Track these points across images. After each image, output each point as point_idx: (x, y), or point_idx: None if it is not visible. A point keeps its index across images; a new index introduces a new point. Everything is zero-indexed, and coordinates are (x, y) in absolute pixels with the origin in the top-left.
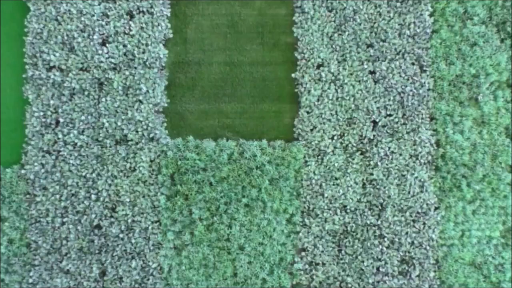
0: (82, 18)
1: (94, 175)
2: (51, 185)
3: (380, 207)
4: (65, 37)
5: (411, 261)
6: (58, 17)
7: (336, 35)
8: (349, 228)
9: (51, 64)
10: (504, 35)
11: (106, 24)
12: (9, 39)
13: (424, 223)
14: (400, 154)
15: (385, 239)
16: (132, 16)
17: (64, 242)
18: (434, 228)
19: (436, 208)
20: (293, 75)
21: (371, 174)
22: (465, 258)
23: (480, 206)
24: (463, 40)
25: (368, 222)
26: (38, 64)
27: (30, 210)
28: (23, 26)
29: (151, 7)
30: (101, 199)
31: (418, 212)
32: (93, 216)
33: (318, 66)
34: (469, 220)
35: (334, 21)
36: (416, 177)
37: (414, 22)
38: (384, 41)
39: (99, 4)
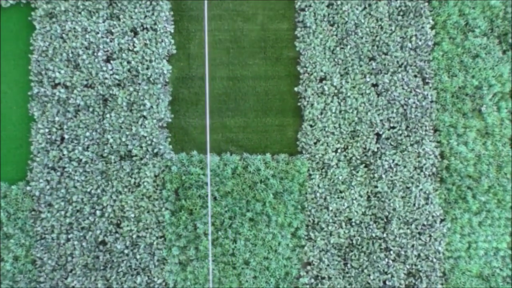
0: (87, 36)
1: (99, 191)
2: (56, 201)
3: (385, 220)
4: (70, 55)
5: (418, 274)
6: (63, 35)
7: (338, 48)
8: (354, 242)
9: (56, 81)
10: (506, 46)
11: (111, 41)
12: (15, 57)
13: (430, 236)
14: (405, 166)
15: (391, 252)
16: (136, 33)
17: (69, 258)
18: (441, 240)
19: (442, 220)
20: (296, 88)
21: (376, 186)
22: (472, 270)
23: (486, 217)
24: (465, 52)
25: (374, 235)
26: (43, 81)
27: (35, 226)
28: (29, 44)
29: (155, 24)
30: (106, 215)
31: (423, 225)
32: (98, 232)
33: (321, 80)
34: (476, 232)
35: (336, 35)
36: (421, 189)
37: (415, 35)
38: (386, 54)
39: (103, 22)
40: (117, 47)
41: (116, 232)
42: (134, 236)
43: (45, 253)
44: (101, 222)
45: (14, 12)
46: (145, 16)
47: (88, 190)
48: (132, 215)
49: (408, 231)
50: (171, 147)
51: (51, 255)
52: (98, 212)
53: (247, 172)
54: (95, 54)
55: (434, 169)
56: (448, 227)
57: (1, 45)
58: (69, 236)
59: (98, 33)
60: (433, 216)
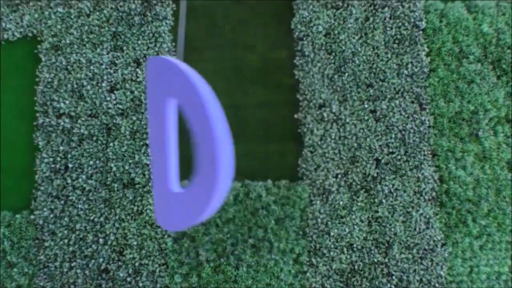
0: (91, 67)
1: (102, 219)
2: (59, 229)
3: (386, 245)
4: (75, 85)
5: None
6: (68, 67)
7: (336, 76)
8: (356, 267)
9: (61, 111)
10: (500, 72)
11: (114, 72)
12: (21, 88)
13: (431, 260)
14: (404, 191)
15: (393, 277)
16: (139, 64)
17: (72, 287)
18: (442, 265)
19: (443, 245)
20: (295, 115)
21: (376, 211)
22: None
23: (487, 241)
24: (460, 78)
25: (375, 260)
26: (48, 112)
27: (38, 255)
28: (35, 76)
29: (157, 54)
30: (109, 242)
31: (425, 249)
32: (101, 260)
33: (320, 107)
34: (477, 256)
35: (334, 63)
36: (421, 214)
37: (411, 62)
38: (383, 81)
39: (107, 54)
40: (121, 78)
41: (119, 260)
42: (137, 264)
43: (48, 281)
44: (104, 250)
45: (20, 45)
46: (148, 48)
47: (91, 218)
48: (135, 243)
49: (410, 255)
50: None
51: (54, 283)
52: (101, 240)
53: (249, 198)
54: (99, 84)
55: (434, 194)
56: (450, 251)
57: (8, 77)
58: (72, 264)
59: (102, 64)
60: (434, 241)
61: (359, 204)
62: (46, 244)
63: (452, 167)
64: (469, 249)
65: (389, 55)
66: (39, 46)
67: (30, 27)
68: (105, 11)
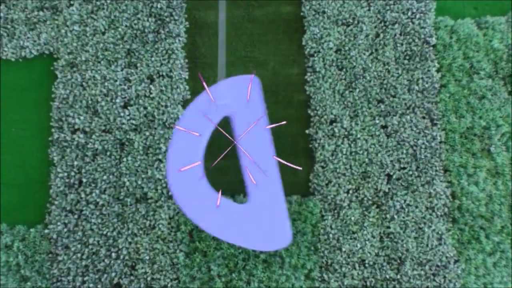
0: (106, 84)
1: (115, 233)
2: (73, 244)
3: (399, 261)
4: (90, 102)
5: None
6: (83, 83)
7: (347, 92)
8: (368, 283)
9: (76, 127)
10: (511, 87)
11: (128, 88)
12: (37, 104)
13: (444, 277)
14: (416, 207)
15: None
16: (152, 80)
17: None
18: (455, 282)
19: (456, 261)
20: (307, 131)
21: (388, 227)
22: None
23: (501, 258)
24: (471, 93)
25: (388, 276)
26: (63, 127)
27: (52, 269)
28: (51, 92)
29: (170, 71)
30: (121, 257)
31: (437, 265)
32: (113, 274)
33: (331, 122)
34: (491, 273)
35: (345, 79)
36: (434, 230)
37: (422, 78)
38: (394, 96)
39: (121, 70)
40: (134, 94)
41: (131, 274)
42: (149, 279)
43: None
44: (117, 264)
45: (37, 62)
46: (161, 64)
47: (104, 232)
48: (147, 257)
49: (422, 272)
50: None
51: None
52: (113, 255)
53: None
54: (113, 100)
55: (446, 209)
56: (463, 268)
57: (25, 93)
58: (85, 279)
59: (116, 81)
60: (446, 257)
61: (370, 219)
62: (60, 258)
63: (464, 183)
64: (482, 266)
65: (399, 71)
66: (55, 63)
67: (47, 44)
68: (119, 29)
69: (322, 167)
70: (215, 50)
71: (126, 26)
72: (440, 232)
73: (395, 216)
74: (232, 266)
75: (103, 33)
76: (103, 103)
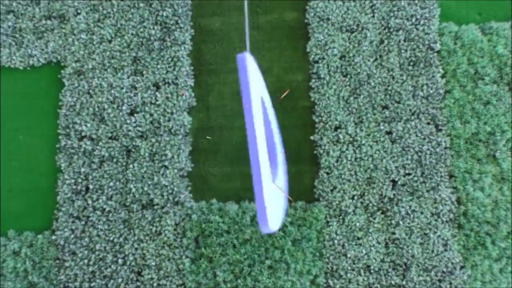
0: (112, 91)
1: (121, 239)
2: (79, 250)
3: (404, 267)
4: (96, 109)
5: None
6: (90, 91)
7: (352, 98)
8: None
9: (83, 134)
10: None
11: (134, 96)
12: (44, 112)
13: (450, 283)
14: (422, 213)
15: None
16: (158, 87)
17: None
18: None
19: (461, 267)
20: (311, 137)
21: (393, 233)
22: None
23: (507, 264)
24: (476, 99)
25: (393, 282)
26: (70, 134)
27: (59, 275)
28: (58, 100)
29: (176, 78)
30: (128, 263)
31: (443, 272)
32: (120, 280)
33: (336, 128)
34: (497, 279)
35: (349, 85)
36: (439, 236)
37: (426, 84)
38: (398, 102)
39: (128, 78)
40: (141, 101)
41: (137, 280)
42: (155, 285)
43: None
44: (123, 270)
45: (45, 71)
46: (167, 72)
47: (111, 238)
48: (153, 263)
49: (428, 278)
50: (191, 196)
51: None
52: (120, 261)
53: None
54: (120, 108)
55: (452, 215)
56: (469, 274)
57: (32, 101)
58: (92, 285)
59: (122, 88)
60: (452, 263)
61: (375, 225)
62: (67, 264)
63: (470, 189)
64: (488, 272)
65: (404, 77)
66: (62, 71)
67: (54, 53)
68: (126, 37)
69: (327, 173)
70: (218, 57)
71: (132, 34)
72: (445, 238)
73: (400, 222)
74: (237, 272)
75: (110, 41)
76: (109, 110)
